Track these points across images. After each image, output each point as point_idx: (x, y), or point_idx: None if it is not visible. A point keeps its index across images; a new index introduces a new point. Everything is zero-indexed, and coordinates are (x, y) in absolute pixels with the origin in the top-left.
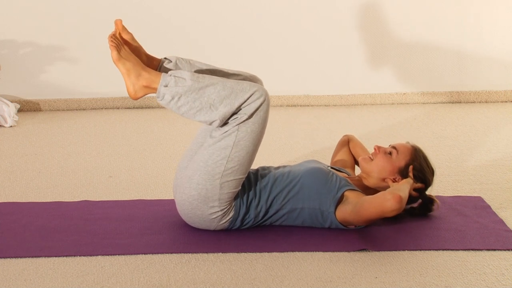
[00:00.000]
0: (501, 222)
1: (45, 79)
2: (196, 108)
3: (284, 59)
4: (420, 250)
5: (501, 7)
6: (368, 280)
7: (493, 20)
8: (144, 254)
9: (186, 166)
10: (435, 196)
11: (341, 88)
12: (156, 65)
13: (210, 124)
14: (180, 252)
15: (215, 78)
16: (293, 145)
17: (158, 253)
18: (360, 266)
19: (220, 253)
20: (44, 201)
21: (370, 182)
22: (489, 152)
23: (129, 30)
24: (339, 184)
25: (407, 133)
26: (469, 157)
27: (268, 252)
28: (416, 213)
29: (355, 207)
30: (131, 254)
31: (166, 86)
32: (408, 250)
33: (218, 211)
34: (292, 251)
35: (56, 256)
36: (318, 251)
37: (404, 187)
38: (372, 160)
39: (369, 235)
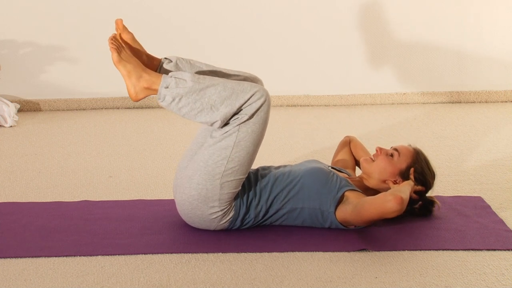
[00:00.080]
0: (501, 222)
1: (45, 79)
2: (197, 109)
3: (284, 59)
4: (420, 250)
5: (501, 7)
6: (368, 280)
7: (493, 20)
8: (144, 254)
9: (186, 166)
10: (435, 196)
11: (341, 88)
12: (156, 65)
13: (211, 125)
14: (180, 252)
15: (215, 79)
16: (293, 145)
17: (158, 253)
18: (360, 266)
19: (220, 253)
20: (44, 201)
21: (370, 183)
22: (489, 152)
23: (129, 30)
24: (340, 184)
25: (407, 133)
26: (469, 157)
27: (268, 252)
28: (416, 213)
29: (356, 207)
30: (131, 254)
31: (167, 87)
32: (408, 250)
33: (218, 211)
34: (292, 251)
35: (56, 256)
36: (318, 251)
37: (405, 189)
38: (373, 161)
39: (369, 235)
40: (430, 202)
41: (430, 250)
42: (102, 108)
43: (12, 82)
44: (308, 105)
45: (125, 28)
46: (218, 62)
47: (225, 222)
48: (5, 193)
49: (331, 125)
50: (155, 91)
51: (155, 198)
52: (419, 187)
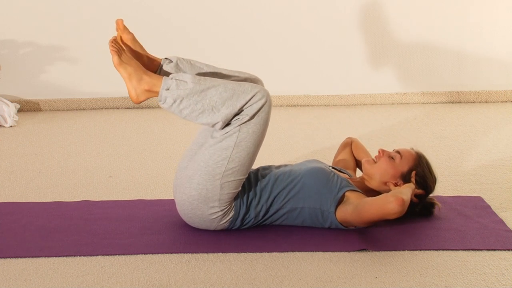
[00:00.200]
0: (501, 222)
1: (45, 79)
2: (198, 110)
3: (284, 59)
4: (420, 250)
5: (501, 7)
6: (368, 280)
7: (493, 20)
8: (144, 254)
9: (186, 166)
10: (435, 196)
11: (341, 88)
12: (157, 65)
13: (213, 126)
14: (180, 252)
15: (216, 80)
16: (293, 145)
17: (158, 253)
18: (360, 266)
19: (220, 253)
20: (44, 201)
21: (371, 184)
22: (489, 152)
23: (130, 30)
24: (340, 185)
25: (407, 133)
26: (469, 157)
27: (268, 252)
28: (416, 214)
29: (356, 208)
30: (131, 254)
31: (167, 89)
32: (408, 250)
33: (218, 211)
34: (292, 251)
35: (56, 256)
36: (318, 251)
37: (407, 191)
38: (375, 162)
39: (369, 235)
40: (431, 204)
41: (430, 250)
42: (102, 108)
43: (12, 82)
44: (308, 105)
45: (125, 28)
46: (218, 62)
47: (225, 222)
48: (5, 193)
49: (331, 125)
50: (156, 93)
51: (155, 198)
52: (419, 191)
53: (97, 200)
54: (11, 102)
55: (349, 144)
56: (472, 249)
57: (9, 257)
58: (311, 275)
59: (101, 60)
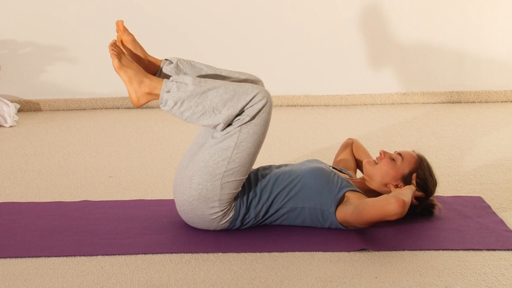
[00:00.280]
0: (501, 222)
1: (45, 79)
2: (199, 112)
3: (284, 60)
4: (420, 250)
5: (501, 7)
6: (368, 280)
7: (493, 20)
8: (144, 254)
9: (187, 166)
10: (435, 196)
11: (341, 88)
12: (157, 67)
13: (214, 127)
14: (180, 252)
15: (217, 82)
16: (293, 145)
17: (158, 253)
18: (360, 266)
19: (220, 253)
20: (44, 201)
21: (372, 185)
22: (489, 152)
23: (130, 32)
24: (341, 185)
25: (407, 133)
26: (469, 157)
27: (268, 252)
28: (417, 213)
29: (357, 208)
30: (131, 254)
31: (168, 91)
32: (408, 250)
33: (218, 212)
34: (292, 251)
35: (56, 256)
36: (318, 251)
37: (407, 193)
38: (376, 164)
39: (369, 235)
40: (431, 205)
41: (430, 250)
42: (102, 108)
43: (12, 82)
44: (308, 105)
45: (125, 29)
46: (218, 63)
47: (225, 222)
48: (5, 193)
49: (331, 125)
50: (157, 96)
51: (155, 198)
52: (420, 193)
53: (97, 200)
54: (11, 102)
55: (349, 145)
56: (472, 249)
57: (9, 257)
58: (311, 275)
59: (101, 60)
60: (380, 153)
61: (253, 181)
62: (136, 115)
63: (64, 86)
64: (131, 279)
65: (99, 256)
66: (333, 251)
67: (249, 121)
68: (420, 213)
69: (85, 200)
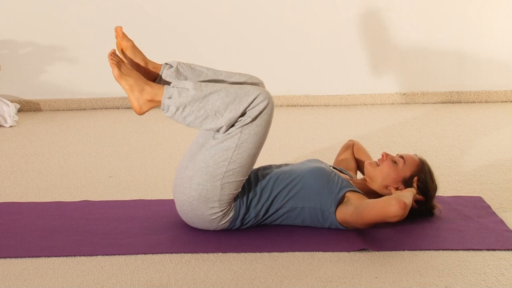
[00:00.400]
0: (501, 222)
1: (45, 79)
2: (201, 116)
3: (285, 60)
4: (420, 250)
5: (501, 7)
6: (368, 280)
7: (493, 20)
8: (144, 254)
9: (187, 166)
10: (435, 196)
11: (341, 88)
12: (158, 71)
13: (217, 131)
14: (180, 252)
15: (218, 85)
16: (293, 145)
17: (158, 253)
18: (360, 266)
19: (220, 253)
20: (44, 201)
21: (372, 186)
22: (489, 152)
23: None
24: (341, 185)
25: (407, 133)
26: (469, 157)
27: (268, 252)
28: (417, 214)
29: (357, 209)
30: (131, 254)
31: (169, 98)
32: (408, 250)
33: (218, 212)
34: (292, 251)
35: (56, 256)
36: (318, 251)
37: (408, 195)
38: (378, 165)
39: (369, 235)
40: (431, 205)
41: (430, 250)
42: (102, 108)
43: (12, 82)
44: (308, 105)
45: (124, 35)
46: (218, 64)
47: (225, 222)
48: (5, 193)
49: (331, 125)
50: (158, 103)
51: (155, 198)
52: (420, 196)
53: (97, 200)
54: (11, 102)
55: (350, 146)
56: (472, 249)
57: (9, 257)
58: (311, 275)
59: (101, 60)
60: (382, 155)
61: (253, 181)
62: (136, 115)
63: (64, 86)
64: (131, 279)
65: (99, 256)
66: (333, 251)
67: (250, 122)
68: (420, 213)
69: (85, 200)
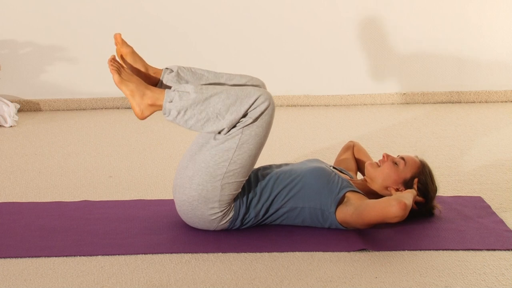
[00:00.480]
0: (501, 222)
1: (45, 79)
2: (203, 119)
3: (285, 60)
4: (420, 250)
5: (501, 7)
6: (368, 280)
7: (493, 20)
8: (144, 254)
9: (187, 166)
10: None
11: (341, 88)
12: (159, 76)
13: (219, 133)
14: (180, 252)
15: (218, 87)
16: (293, 145)
17: (158, 253)
18: (360, 266)
19: (220, 253)
20: (44, 201)
21: (373, 187)
22: (489, 152)
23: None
24: (341, 185)
25: (407, 133)
26: (469, 157)
27: (268, 252)
28: (417, 214)
29: (357, 209)
30: (131, 254)
31: (171, 101)
32: (408, 250)
33: (218, 212)
34: (292, 251)
35: (56, 256)
36: (318, 251)
37: (409, 196)
38: (379, 166)
39: (369, 235)
40: (432, 207)
41: (430, 250)
42: (102, 108)
43: (12, 82)
44: (308, 105)
45: (124, 42)
46: (218, 63)
47: (225, 223)
48: (5, 193)
49: (331, 125)
50: (160, 107)
51: (155, 198)
52: (420, 198)
53: (97, 200)
54: (11, 102)
55: (351, 147)
56: (472, 249)
57: (9, 257)
58: (311, 275)
59: (101, 60)
60: (383, 156)
61: (253, 181)
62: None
63: (64, 86)
64: (131, 279)
65: (99, 256)
66: (333, 251)
67: (251, 123)
68: (420, 213)
69: (85, 200)
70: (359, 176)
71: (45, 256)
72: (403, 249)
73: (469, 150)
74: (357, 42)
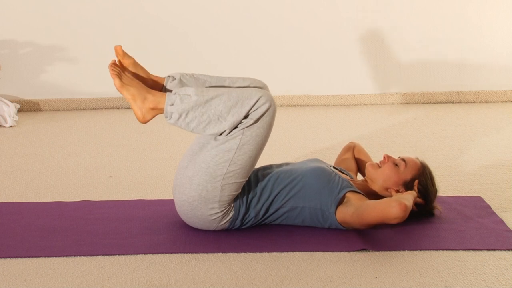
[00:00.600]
0: (501, 222)
1: (45, 79)
2: (205, 122)
3: (284, 60)
4: (420, 250)
5: (501, 7)
6: (368, 280)
7: (493, 20)
8: (144, 254)
9: (187, 166)
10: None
11: (341, 88)
12: (161, 85)
13: (220, 134)
14: (180, 252)
15: (219, 89)
16: (293, 145)
17: (158, 253)
18: (360, 266)
19: (220, 253)
20: (44, 201)
21: (373, 188)
22: (489, 152)
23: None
24: (341, 185)
25: (407, 133)
26: (469, 157)
27: (268, 252)
28: (417, 214)
29: (357, 210)
30: (131, 254)
31: (172, 105)
32: (408, 250)
33: (218, 212)
34: (292, 251)
35: (56, 256)
36: (318, 251)
37: (409, 197)
38: (379, 167)
39: (369, 235)
40: (432, 208)
41: (430, 250)
42: (102, 108)
43: (12, 82)
44: (308, 105)
45: (125, 54)
46: (218, 63)
47: (225, 223)
48: (5, 193)
49: (331, 125)
50: (161, 110)
51: (155, 198)
52: (420, 200)
53: (97, 200)
54: (11, 102)
55: (351, 148)
56: (472, 249)
57: (9, 257)
58: (311, 275)
59: (101, 60)
60: (384, 157)
61: (253, 181)
62: None
63: (64, 86)
64: (131, 279)
65: (99, 256)
66: (333, 251)
67: (252, 124)
68: (420, 213)
69: (85, 200)
70: (359, 177)
71: (45, 256)
72: (403, 249)
73: (469, 150)
74: (357, 42)
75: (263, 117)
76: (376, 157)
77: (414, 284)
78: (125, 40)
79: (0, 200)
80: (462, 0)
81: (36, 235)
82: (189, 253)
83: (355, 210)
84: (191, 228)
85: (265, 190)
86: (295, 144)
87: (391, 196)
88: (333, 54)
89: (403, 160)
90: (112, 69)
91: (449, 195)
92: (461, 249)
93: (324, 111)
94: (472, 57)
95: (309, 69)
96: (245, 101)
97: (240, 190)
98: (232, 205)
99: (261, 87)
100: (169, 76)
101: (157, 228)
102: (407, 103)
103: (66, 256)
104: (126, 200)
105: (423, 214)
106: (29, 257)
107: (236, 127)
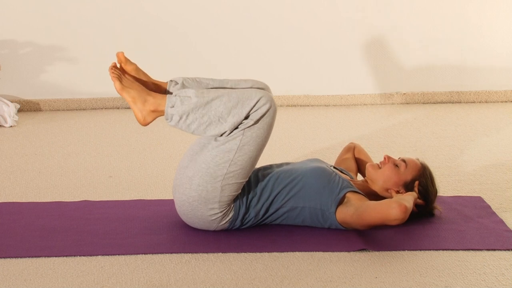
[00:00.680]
0: (501, 222)
1: (45, 79)
2: (205, 123)
3: (284, 60)
4: (420, 250)
5: (501, 7)
6: (368, 280)
7: (493, 20)
8: (144, 254)
9: (187, 166)
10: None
11: (341, 88)
12: (163, 90)
13: (221, 135)
14: (180, 252)
15: (220, 91)
16: (293, 145)
17: (158, 253)
18: (360, 266)
19: (220, 253)
20: (44, 201)
21: (373, 188)
22: (489, 152)
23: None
24: (342, 185)
25: (407, 133)
26: (469, 157)
27: (268, 252)
28: (417, 214)
29: (358, 210)
30: (131, 254)
31: (172, 107)
32: (408, 250)
33: (218, 213)
34: (292, 251)
35: (56, 256)
36: (318, 251)
37: (409, 199)
38: (380, 168)
39: (369, 235)
40: (432, 209)
41: (430, 250)
42: (102, 108)
43: (12, 82)
44: (308, 105)
45: (127, 60)
46: (218, 64)
47: (225, 223)
48: (5, 193)
49: (331, 125)
50: (162, 112)
51: (155, 198)
52: (420, 201)
53: (97, 200)
54: (11, 102)
55: (351, 149)
56: (472, 249)
57: (9, 257)
58: (311, 275)
59: (101, 60)
60: (384, 158)
61: (253, 181)
62: None
63: (64, 86)
64: (131, 279)
65: (99, 256)
66: (333, 251)
67: (252, 125)
68: (420, 213)
69: (85, 200)
70: (359, 177)
71: (45, 256)
72: (403, 249)
73: (469, 150)
74: (357, 42)
75: (263, 118)
76: (376, 157)
77: (414, 284)
78: (125, 40)
79: (0, 200)
80: (462, 0)
81: (36, 235)
82: (189, 253)
83: (355, 210)
84: (191, 228)
85: (265, 190)
86: (295, 144)
87: (391, 196)
88: (333, 54)
89: (404, 161)
90: (112, 72)
91: (449, 195)
92: (461, 249)
93: (324, 111)
94: (472, 57)
95: (309, 69)
96: (245, 102)
97: (240, 191)
98: (232, 205)
99: (263, 88)
100: (171, 81)
101: (157, 228)
102: (407, 103)
103: (66, 256)
104: (126, 200)
105: (423, 214)
106: (29, 257)
107: (236, 128)
